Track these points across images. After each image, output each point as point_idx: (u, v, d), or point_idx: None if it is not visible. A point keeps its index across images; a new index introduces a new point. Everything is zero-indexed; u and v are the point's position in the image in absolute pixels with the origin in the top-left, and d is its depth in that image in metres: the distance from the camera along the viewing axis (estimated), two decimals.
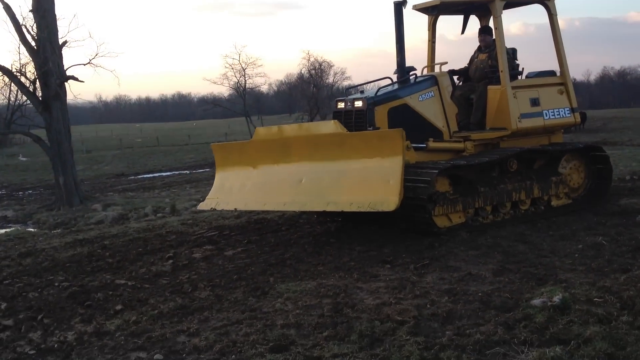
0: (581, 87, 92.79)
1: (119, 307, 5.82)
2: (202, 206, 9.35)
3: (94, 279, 6.98)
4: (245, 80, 58.40)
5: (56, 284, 6.87)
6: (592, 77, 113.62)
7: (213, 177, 9.10)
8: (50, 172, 19.80)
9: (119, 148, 44.39)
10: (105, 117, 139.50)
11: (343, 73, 74.23)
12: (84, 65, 16.96)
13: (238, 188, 8.69)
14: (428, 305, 5.21)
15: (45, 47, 15.25)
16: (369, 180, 7.07)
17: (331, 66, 68.60)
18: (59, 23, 15.88)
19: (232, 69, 61.90)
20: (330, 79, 69.17)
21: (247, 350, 4.49)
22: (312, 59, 63.82)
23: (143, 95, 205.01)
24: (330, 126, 7.81)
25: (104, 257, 8.11)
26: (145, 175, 25.36)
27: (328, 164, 7.56)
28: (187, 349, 4.66)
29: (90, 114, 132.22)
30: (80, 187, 16.53)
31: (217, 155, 9.40)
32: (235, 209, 8.97)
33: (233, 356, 4.45)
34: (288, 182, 7.87)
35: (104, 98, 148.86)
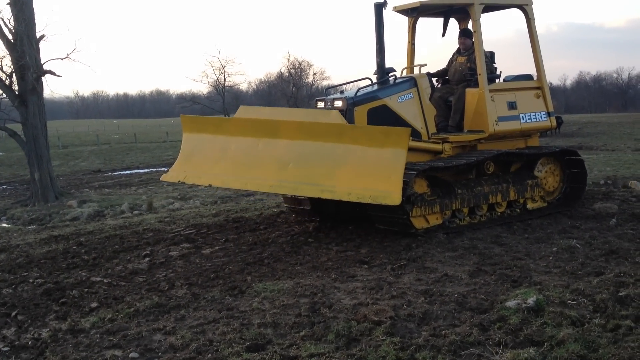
0: (557, 92, 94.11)
1: (94, 304, 5.78)
2: (167, 178, 8.73)
3: (69, 276, 6.92)
4: (224, 78, 58.38)
5: (31, 281, 6.80)
6: (569, 82, 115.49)
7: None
8: (25, 167, 19.61)
9: (96, 144, 43.97)
10: (82, 113, 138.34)
11: (323, 73, 74.59)
12: (62, 59, 16.74)
13: (212, 164, 8.21)
14: (404, 306, 5.24)
15: (23, 40, 15.06)
16: (369, 174, 7.02)
17: (311, 65, 68.87)
18: (36, 16, 15.71)
19: (212, 66, 61.78)
20: (310, 79, 69.40)
21: (224, 350, 4.48)
22: (292, 58, 64.01)
23: (121, 91, 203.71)
24: (331, 116, 7.68)
25: (80, 254, 8.04)
26: (122, 172, 25.17)
27: (322, 152, 7.38)
28: (163, 347, 4.64)
29: (67, 109, 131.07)
30: (56, 183, 16.36)
31: (187, 127, 8.78)
32: (210, 185, 8.40)
33: (209, 355, 4.44)
34: (274, 165, 7.60)
35: (81, 93, 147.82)
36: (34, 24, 15.57)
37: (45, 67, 15.85)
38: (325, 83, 64.83)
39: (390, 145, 6.97)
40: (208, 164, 8.23)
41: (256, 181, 7.66)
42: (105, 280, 6.63)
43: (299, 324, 4.94)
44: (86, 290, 6.30)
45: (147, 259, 7.54)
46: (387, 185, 6.84)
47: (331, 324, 4.89)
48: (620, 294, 5.23)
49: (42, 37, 15.87)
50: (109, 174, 24.73)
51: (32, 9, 15.58)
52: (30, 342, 4.92)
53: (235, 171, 7.90)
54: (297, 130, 7.58)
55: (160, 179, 9.21)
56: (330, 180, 7.17)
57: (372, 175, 6.98)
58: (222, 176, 8.03)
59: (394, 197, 6.76)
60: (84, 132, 66.11)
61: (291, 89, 63.69)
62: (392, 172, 6.87)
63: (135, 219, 10.99)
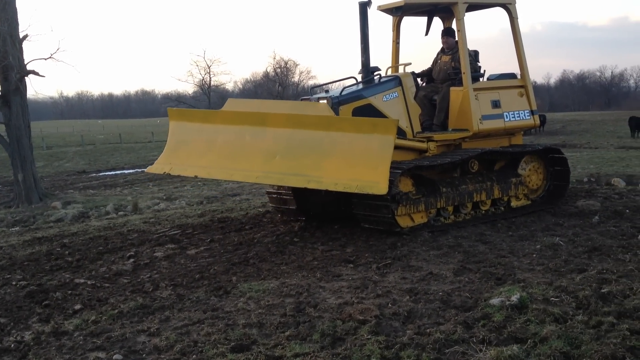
0: (541, 90, 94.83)
1: (78, 306, 5.73)
2: (152, 169, 8.65)
3: (52, 278, 6.87)
4: (210, 78, 58.33)
5: (13, 283, 6.73)
6: (552, 81, 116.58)
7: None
8: (9, 168, 19.43)
9: (81, 145, 43.69)
10: (67, 113, 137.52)
11: (309, 72, 74.73)
12: (45, 59, 16.62)
13: (198, 156, 8.15)
14: (389, 305, 5.25)
15: (6, 40, 14.93)
16: (356, 164, 7.02)
17: (297, 65, 68.95)
18: (19, 16, 15.58)
19: (197, 66, 61.62)
20: (296, 78, 69.49)
21: (208, 350, 4.47)
22: (278, 58, 64.02)
23: (105, 91, 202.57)
24: (319, 108, 7.71)
25: (63, 255, 7.98)
26: (107, 173, 25.05)
27: (310, 144, 7.37)
28: (147, 349, 4.62)
29: (51, 109, 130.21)
30: (40, 184, 16.24)
31: (174, 120, 8.73)
32: (196, 176, 8.38)
33: (194, 356, 4.42)
34: (261, 156, 7.57)
35: (65, 94, 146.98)
36: (17, 24, 15.45)
37: (28, 67, 15.73)
38: (311, 82, 64.95)
39: (377, 136, 6.99)
40: (194, 155, 8.20)
41: (242, 172, 7.63)
42: (89, 282, 6.59)
43: (284, 324, 4.93)
44: (70, 292, 6.25)
45: (131, 260, 7.50)
46: (374, 175, 6.84)
47: (316, 323, 4.89)
48: (602, 290, 5.27)
49: (25, 37, 15.75)
50: (94, 174, 24.60)
51: (15, 9, 15.46)
52: (12, 345, 4.87)
53: (221, 163, 7.85)
54: (284, 122, 7.56)
55: (146, 171, 9.17)
56: (317, 171, 7.16)
57: (359, 165, 6.98)
58: (208, 168, 7.97)
59: (380, 187, 6.76)
60: (68, 133, 65.68)
61: (277, 89, 63.75)
62: (379, 162, 6.88)
63: (120, 220, 10.93)
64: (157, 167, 8.55)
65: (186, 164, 8.20)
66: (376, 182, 6.79)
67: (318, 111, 7.69)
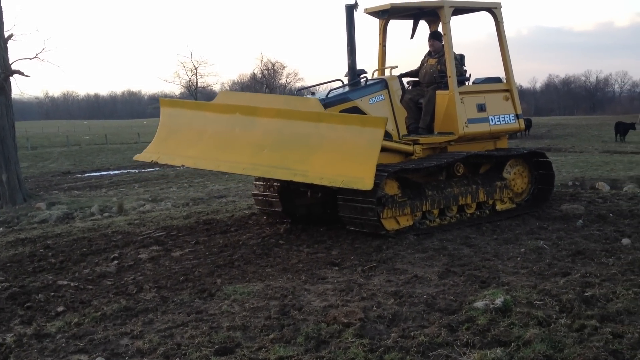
0: (527, 94, 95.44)
1: (60, 308, 5.69)
2: (140, 157, 8.73)
3: (35, 280, 6.81)
4: (197, 79, 58.20)
5: None
6: (538, 85, 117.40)
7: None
8: None
9: (66, 145, 43.35)
10: (52, 114, 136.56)
11: (296, 74, 74.79)
12: (31, 59, 16.54)
13: (187, 146, 8.18)
14: (374, 308, 5.25)
15: None
16: (343, 160, 7.00)
17: (284, 67, 68.99)
18: (4, 15, 15.47)
19: (184, 67, 61.49)
20: (283, 80, 69.51)
21: (192, 353, 4.44)
22: (265, 60, 64.01)
23: (91, 91, 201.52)
24: (309, 103, 7.76)
25: (47, 257, 7.92)
26: (92, 174, 24.87)
27: (298, 138, 7.35)
28: (130, 351, 4.58)
29: (36, 109, 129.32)
30: (24, 185, 16.12)
31: (165, 110, 8.80)
32: (183, 165, 8.40)
33: (177, 359, 4.40)
34: (249, 149, 7.56)
35: (50, 94, 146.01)
36: (1, 23, 15.34)
37: (13, 67, 15.62)
38: (298, 84, 65.01)
39: (366, 133, 6.99)
40: (183, 145, 8.23)
41: (230, 163, 7.65)
42: (72, 284, 6.53)
43: (269, 327, 4.91)
44: (52, 294, 6.20)
45: (115, 262, 7.45)
46: (360, 171, 6.83)
47: (301, 326, 4.88)
48: (586, 294, 5.30)
49: (10, 36, 15.65)
50: (79, 175, 24.42)
51: (0, 8, 15.35)
52: None
53: (209, 154, 7.87)
54: (274, 116, 7.55)
55: (134, 158, 9.16)
56: (303, 165, 7.15)
57: (346, 160, 6.97)
58: (196, 158, 7.99)
59: (365, 183, 6.76)
60: (53, 133, 65.19)
61: (264, 91, 63.67)
62: (366, 158, 6.88)
63: (105, 221, 10.87)
64: (145, 155, 8.62)
65: (174, 153, 8.24)
66: (361, 177, 6.79)
67: (309, 106, 7.70)
